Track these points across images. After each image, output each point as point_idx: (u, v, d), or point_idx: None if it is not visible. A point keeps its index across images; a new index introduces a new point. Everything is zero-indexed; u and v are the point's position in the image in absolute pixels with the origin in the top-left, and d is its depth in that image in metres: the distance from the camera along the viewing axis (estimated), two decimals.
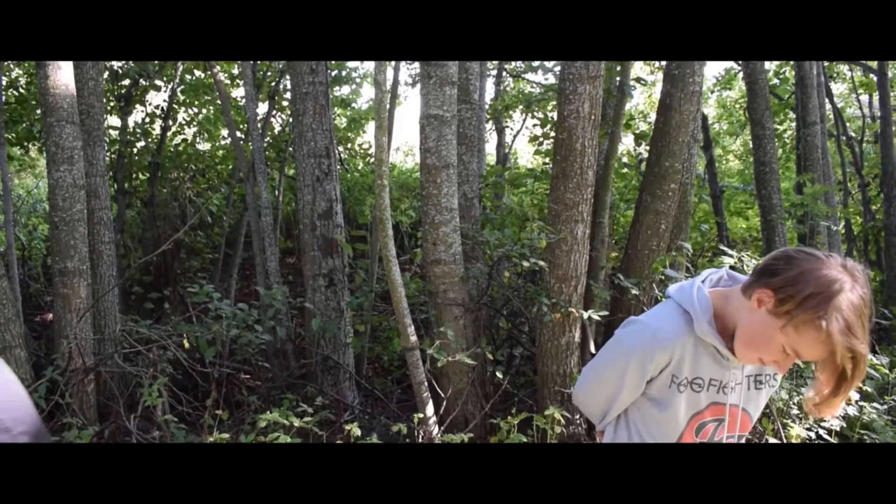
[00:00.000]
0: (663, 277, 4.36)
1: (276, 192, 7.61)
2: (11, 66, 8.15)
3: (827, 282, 1.35)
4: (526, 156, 11.28)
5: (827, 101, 8.48)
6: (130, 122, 7.62)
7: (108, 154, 6.42)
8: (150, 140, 7.68)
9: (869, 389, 3.99)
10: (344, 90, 9.43)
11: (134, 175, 7.77)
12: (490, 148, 10.22)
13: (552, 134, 6.47)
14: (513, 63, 9.39)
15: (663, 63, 6.81)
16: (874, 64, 9.35)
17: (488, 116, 8.50)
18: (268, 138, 7.63)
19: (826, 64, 9.09)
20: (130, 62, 7.14)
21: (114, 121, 7.52)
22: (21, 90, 7.70)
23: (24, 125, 7.43)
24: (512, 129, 10.46)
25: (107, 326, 4.69)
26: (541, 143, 6.76)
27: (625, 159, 7.27)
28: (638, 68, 10.06)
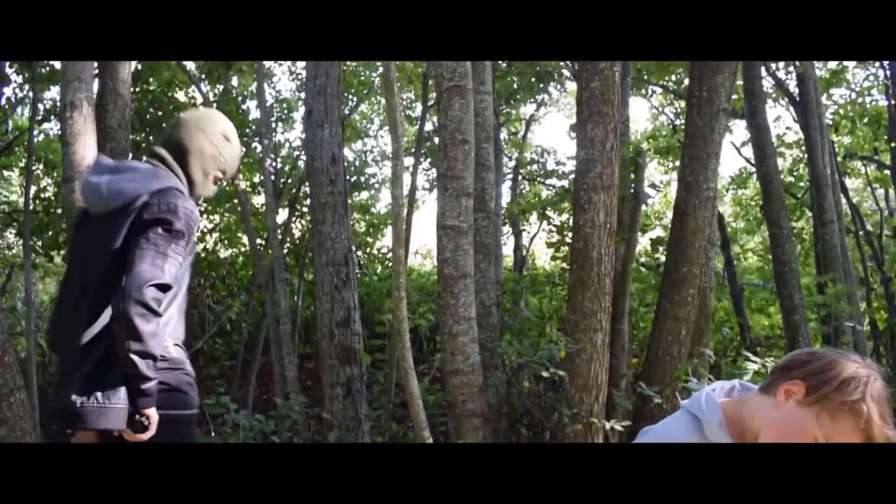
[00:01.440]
0: (685, 385, 4.29)
1: (296, 297, 7.64)
2: (40, 174, 8.39)
3: (857, 370, 1.38)
4: (544, 256, 11.35)
5: (843, 197, 8.52)
6: None
7: None
8: None
9: None
10: (363, 195, 9.61)
11: None
12: (507, 250, 10.28)
13: (568, 239, 6.52)
14: (529, 166, 9.56)
15: (677, 164, 6.89)
16: (888, 159, 9.41)
17: (504, 219, 8.59)
18: (287, 244, 7.74)
19: (839, 159, 9.16)
20: None
21: None
22: (49, 197, 7.86)
23: (50, 234, 7.57)
24: (528, 231, 10.56)
25: None
26: (558, 249, 6.82)
27: (642, 259, 7.28)
28: (652, 169, 10.21)
